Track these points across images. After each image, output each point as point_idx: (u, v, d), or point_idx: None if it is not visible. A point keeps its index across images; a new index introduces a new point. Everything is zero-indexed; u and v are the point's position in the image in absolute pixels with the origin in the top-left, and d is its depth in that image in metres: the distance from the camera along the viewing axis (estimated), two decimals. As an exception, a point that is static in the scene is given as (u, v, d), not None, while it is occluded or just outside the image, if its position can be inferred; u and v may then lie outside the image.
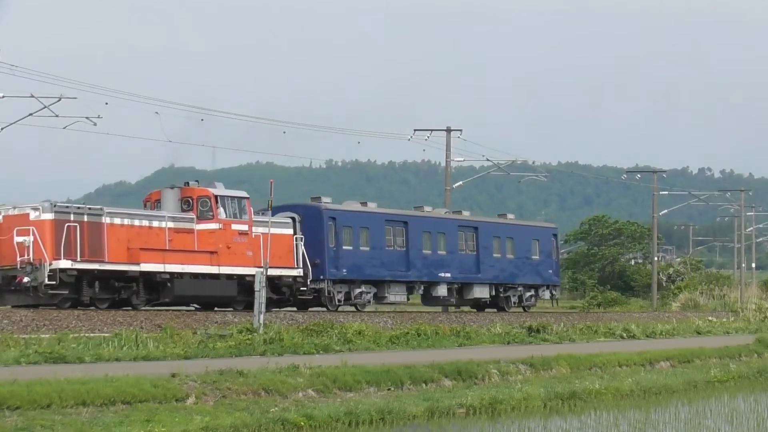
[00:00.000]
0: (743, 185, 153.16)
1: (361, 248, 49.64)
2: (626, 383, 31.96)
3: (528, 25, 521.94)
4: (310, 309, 46.78)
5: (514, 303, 58.16)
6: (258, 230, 42.96)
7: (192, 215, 41.73)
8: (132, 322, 35.92)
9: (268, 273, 42.09)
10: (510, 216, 62.22)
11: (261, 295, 35.96)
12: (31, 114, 46.67)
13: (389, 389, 27.12)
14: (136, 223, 39.90)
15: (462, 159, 69.67)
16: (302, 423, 22.25)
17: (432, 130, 67.64)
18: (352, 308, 49.42)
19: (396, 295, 51.15)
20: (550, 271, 61.18)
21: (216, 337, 33.16)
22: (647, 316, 63.59)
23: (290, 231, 45.10)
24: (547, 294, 60.96)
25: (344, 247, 48.45)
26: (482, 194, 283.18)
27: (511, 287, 58.18)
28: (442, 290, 53.58)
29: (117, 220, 39.33)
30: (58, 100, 45.79)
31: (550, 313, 62.77)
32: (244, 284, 42.21)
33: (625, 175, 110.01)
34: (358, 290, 49.13)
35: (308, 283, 45.33)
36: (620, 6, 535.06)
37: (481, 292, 55.88)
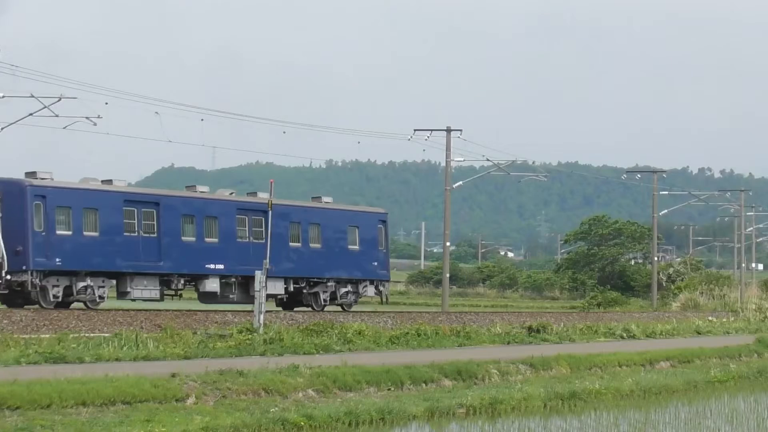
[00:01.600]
0: (743, 185, 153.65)
1: (86, 233, 42.06)
2: (626, 383, 31.97)
3: (527, 24, 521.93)
4: (26, 306, 39.92)
5: (325, 300, 50.01)
6: None
7: None
8: (132, 322, 35.98)
9: None
10: (326, 199, 53.04)
11: (261, 295, 36.03)
12: (31, 114, 46.78)
13: (389, 389, 27.13)
14: None
15: (462, 159, 69.71)
16: (302, 423, 22.25)
17: (432, 130, 67.67)
18: (82, 305, 42.15)
19: (144, 290, 43.62)
20: (375, 264, 52.38)
21: (216, 337, 33.23)
22: (647, 316, 63.57)
23: None
24: (370, 290, 52.02)
25: (59, 232, 41.03)
26: (482, 194, 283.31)
27: (318, 282, 49.95)
28: (212, 285, 45.91)
29: None
30: (58, 100, 45.88)
31: (551, 313, 62.76)
32: None
33: (625, 175, 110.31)
34: (82, 284, 41.70)
35: (3, 274, 38.89)
36: (620, 5, 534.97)
37: (273, 288, 46.96)
